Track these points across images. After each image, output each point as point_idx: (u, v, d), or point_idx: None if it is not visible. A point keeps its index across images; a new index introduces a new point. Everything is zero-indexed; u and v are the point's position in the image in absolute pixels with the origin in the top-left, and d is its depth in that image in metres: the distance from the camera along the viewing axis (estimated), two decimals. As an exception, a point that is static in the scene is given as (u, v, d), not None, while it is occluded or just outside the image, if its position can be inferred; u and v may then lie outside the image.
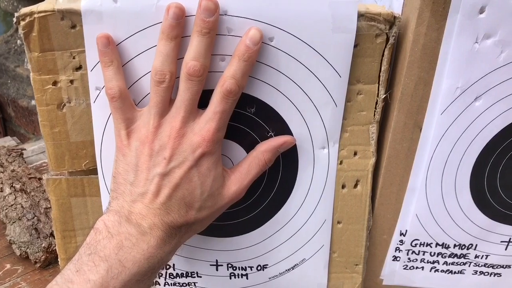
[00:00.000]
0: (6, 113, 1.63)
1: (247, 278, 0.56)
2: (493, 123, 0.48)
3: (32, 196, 0.69)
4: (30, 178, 0.70)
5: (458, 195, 0.52)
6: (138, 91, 0.47)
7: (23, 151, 0.83)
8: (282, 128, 0.49)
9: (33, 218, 0.65)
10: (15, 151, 0.82)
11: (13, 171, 0.74)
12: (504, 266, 0.58)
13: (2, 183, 0.71)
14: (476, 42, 0.44)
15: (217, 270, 0.55)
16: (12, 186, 0.70)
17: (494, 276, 0.58)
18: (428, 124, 0.48)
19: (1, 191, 0.70)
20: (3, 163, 0.76)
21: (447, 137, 0.49)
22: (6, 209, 0.66)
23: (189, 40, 0.44)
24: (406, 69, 0.47)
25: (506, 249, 0.56)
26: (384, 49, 0.47)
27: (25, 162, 0.79)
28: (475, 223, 0.54)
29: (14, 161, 0.78)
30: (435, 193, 0.52)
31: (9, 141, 1.01)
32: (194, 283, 0.56)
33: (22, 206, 0.66)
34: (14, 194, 0.68)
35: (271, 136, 0.49)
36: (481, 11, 0.43)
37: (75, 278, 0.40)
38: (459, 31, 0.44)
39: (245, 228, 0.54)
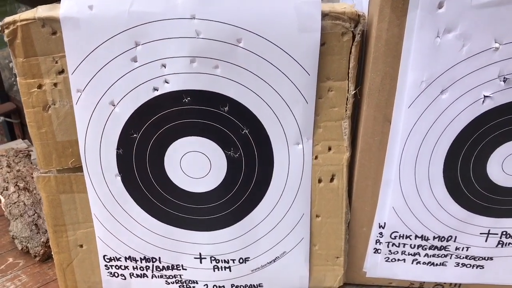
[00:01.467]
0: (25, 119, 1.69)
1: (230, 271, 0.58)
2: (462, 116, 0.49)
3: (34, 194, 0.72)
4: (33, 177, 0.74)
5: (433, 187, 0.53)
6: (115, 94, 0.49)
7: (30, 153, 0.87)
8: (256, 125, 0.51)
9: (34, 214, 0.68)
10: (22, 152, 0.86)
11: (18, 171, 0.78)
12: (486, 258, 0.58)
13: (8, 182, 0.74)
14: (437, 37, 0.45)
15: (201, 262, 0.58)
16: (16, 184, 0.73)
17: (476, 268, 0.59)
18: (397, 118, 0.50)
19: (6, 190, 0.73)
20: (11, 164, 0.80)
21: (417, 130, 0.50)
22: (10, 206, 0.70)
23: (158, 44, 0.46)
24: (372, 65, 0.48)
25: (486, 241, 0.57)
26: (351, 46, 0.48)
27: (31, 163, 0.83)
28: (452, 215, 0.55)
29: (20, 161, 0.82)
30: (409, 185, 0.53)
31: (20, 144, 1.05)
32: (180, 275, 0.59)
33: (24, 204, 0.69)
34: (18, 192, 0.72)
35: (245, 134, 0.51)
36: (440, 6, 0.44)
37: None
38: (420, 26, 0.45)
39: (226, 222, 0.56)
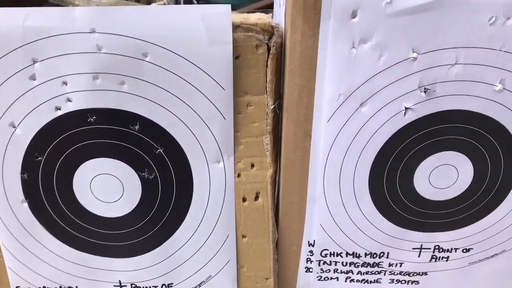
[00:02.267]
0: None
1: (152, 298, 0.55)
2: (384, 128, 0.47)
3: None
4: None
5: (360, 203, 0.51)
6: (14, 115, 0.45)
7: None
8: (171, 144, 0.48)
9: None
10: None
11: None
12: (421, 273, 0.56)
13: None
14: (353, 47, 0.43)
15: (121, 291, 0.54)
16: None
17: (412, 284, 0.57)
18: (317, 132, 0.47)
19: None
20: None
21: (338, 145, 0.48)
22: None
23: (57, 60, 0.43)
24: (288, 78, 0.45)
25: (419, 256, 0.55)
26: (267, 59, 0.46)
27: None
28: (382, 230, 0.53)
29: None
30: (335, 202, 0.51)
31: None
32: (99, 305, 0.55)
33: None
34: None
35: (160, 153, 0.48)
36: (353, 15, 0.42)
37: None
38: (334, 36, 0.43)
39: (145, 247, 0.52)
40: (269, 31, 0.45)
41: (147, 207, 0.50)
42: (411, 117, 0.46)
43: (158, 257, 0.53)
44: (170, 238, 0.52)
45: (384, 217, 0.52)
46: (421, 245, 0.54)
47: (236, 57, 0.45)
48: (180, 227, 0.52)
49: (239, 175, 0.51)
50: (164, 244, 0.52)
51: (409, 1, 0.41)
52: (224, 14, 0.43)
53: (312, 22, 0.42)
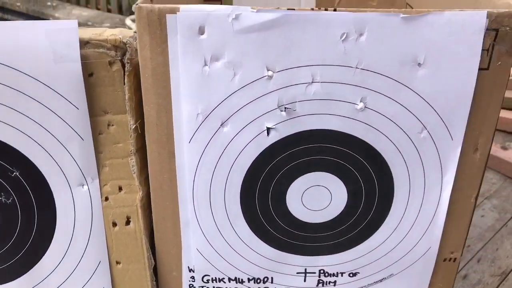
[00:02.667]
0: None
1: (21, 330, 0.51)
2: (248, 149, 0.45)
3: None
4: None
5: (234, 226, 0.49)
6: None
7: None
8: (27, 166, 0.45)
9: None
10: None
11: None
12: (311, 298, 0.54)
13: None
14: (205, 65, 0.41)
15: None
16: None
17: (302, 308, 0.55)
18: (180, 154, 0.45)
19: None
20: None
21: (203, 166, 0.45)
22: None
23: None
24: (144, 97, 0.43)
25: (305, 281, 0.53)
26: (124, 76, 0.43)
27: None
28: (262, 255, 0.51)
29: None
30: (209, 226, 0.49)
31: None
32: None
33: None
34: None
35: (16, 176, 0.45)
36: (201, 32, 0.40)
37: None
38: (183, 54, 0.41)
39: (11, 274, 0.49)
40: (121, 47, 0.42)
41: (8, 233, 0.47)
42: (274, 137, 0.44)
43: (25, 284, 0.50)
44: (37, 265, 0.49)
45: (262, 240, 0.50)
46: (305, 269, 0.52)
47: (89, 74, 0.43)
48: (46, 253, 0.49)
49: (106, 199, 0.48)
50: (31, 270, 0.49)
51: (255, 18, 0.39)
52: (70, 30, 0.41)
53: (159, 38, 0.40)
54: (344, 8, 0.40)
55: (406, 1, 0.68)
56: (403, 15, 0.39)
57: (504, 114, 1.05)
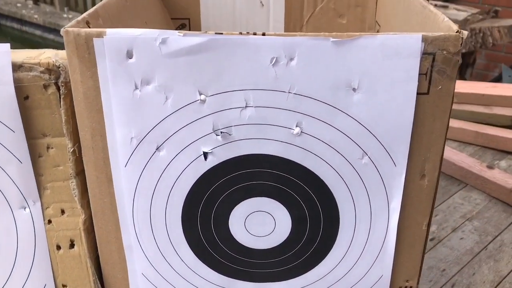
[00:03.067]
0: None
1: None
2: (186, 174, 0.44)
3: None
4: None
5: (179, 251, 0.48)
6: None
7: None
8: (-34, 188, 0.45)
9: None
10: None
11: None
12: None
13: None
14: (136, 89, 0.41)
15: None
16: None
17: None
18: (117, 178, 0.44)
19: None
20: None
21: (141, 191, 0.45)
22: None
23: None
24: (78, 120, 0.43)
25: (257, 306, 0.51)
26: (60, 99, 0.43)
27: None
28: (209, 280, 0.49)
29: None
30: (153, 251, 0.48)
31: None
32: None
33: None
34: None
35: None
36: (129, 55, 0.39)
37: None
38: (113, 77, 0.40)
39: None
40: (55, 70, 0.42)
41: None
42: (212, 161, 0.43)
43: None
44: (-20, 288, 0.49)
45: (207, 266, 0.49)
46: (256, 296, 0.51)
47: (25, 97, 0.43)
48: (-10, 277, 0.49)
49: (49, 222, 0.48)
50: (-25, 294, 0.49)
51: (182, 42, 0.39)
52: (2, 54, 0.41)
53: (88, 62, 0.40)
54: (273, 33, 0.38)
55: (376, 19, 0.67)
56: (334, 39, 0.38)
57: (493, 131, 1.02)
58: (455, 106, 1.12)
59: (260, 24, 0.69)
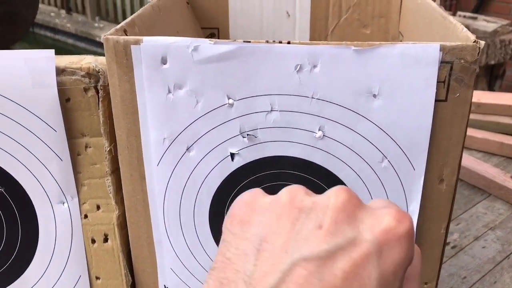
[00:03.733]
0: None
1: None
2: (214, 173, 0.47)
3: None
4: None
5: (206, 248, 0.50)
6: None
7: None
8: (11, 183, 0.49)
9: None
10: None
11: None
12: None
13: None
14: (169, 93, 0.43)
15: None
16: None
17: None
18: (150, 176, 0.47)
19: None
20: None
21: (172, 189, 0.47)
22: None
23: None
24: (115, 121, 0.46)
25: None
26: (98, 102, 0.46)
27: None
28: (233, 276, 0.52)
29: None
30: (181, 246, 0.50)
31: None
32: None
33: None
34: None
35: (1, 193, 0.49)
36: (164, 61, 0.42)
37: None
38: (148, 82, 0.43)
39: (-5, 285, 0.52)
40: (95, 75, 0.45)
41: (-9, 246, 0.51)
42: (239, 162, 0.46)
43: (7, 297, 0.53)
44: (20, 277, 0.52)
45: (233, 263, 0.51)
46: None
47: (66, 99, 0.46)
48: (30, 265, 0.52)
49: (85, 216, 0.51)
50: (15, 282, 0.52)
51: (213, 49, 0.41)
52: (47, 59, 0.44)
53: (125, 67, 0.43)
54: (297, 41, 0.41)
55: (400, 30, 0.69)
56: (355, 48, 0.40)
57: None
58: (480, 117, 1.12)
59: (286, 33, 0.72)
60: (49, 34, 4.99)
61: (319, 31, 0.72)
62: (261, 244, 0.25)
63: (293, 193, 0.27)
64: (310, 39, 0.72)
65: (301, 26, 0.72)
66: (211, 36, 0.74)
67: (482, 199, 0.92)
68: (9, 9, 0.93)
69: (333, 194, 0.26)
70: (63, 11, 5.04)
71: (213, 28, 0.72)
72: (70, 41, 4.71)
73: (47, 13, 5.04)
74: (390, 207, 0.27)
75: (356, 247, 0.24)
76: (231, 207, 0.29)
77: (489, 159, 1.05)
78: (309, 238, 0.24)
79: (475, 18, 2.53)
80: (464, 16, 2.56)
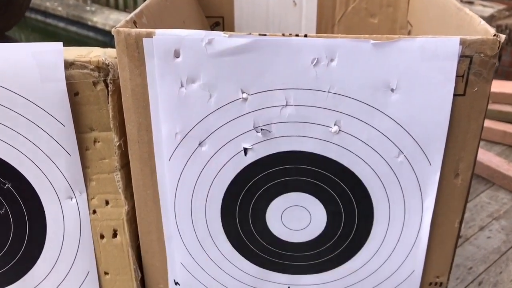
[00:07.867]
0: None
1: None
2: (226, 168, 0.46)
3: None
4: None
5: (216, 242, 0.50)
6: None
7: None
8: (17, 178, 0.48)
9: None
10: None
11: None
12: (296, 315, 0.54)
13: None
14: (182, 87, 0.42)
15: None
16: None
17: (288, 325, 0.55)
18: (161, 171, 0.47)
19: None
20: None
21: (183, 183, 0.47)
22: None
23: None
24: (126, 115, 0.45)
25: (289, 298, 0.53)
26: (108, 96, 0.45)
27: None
28: (244, 271, 0.51)
29: None
30: (192, 241, 0.50)
31: None
32: None
33: None
34: None
35: (8, 188, 0.48)
36: (177, 55, 0.41)
37: None
38: (160, 75, 0.42)
39: (2, 283, 0.52)
40: (104, 68, 0.44)
41: (0, 242, 0.50)
42: (252, 157, 0.45)
43: (14, 292, 0.52)
44: (28, 273, 0.52)
45: (244, 257, 0.51)
46: (289, 287, 0.53)
47: (75, 93, 0.45)
48: (38, 261, 0.51)
49: (94, 212, 0.50)
50: (23, 278, 0.52)
51: (227, 43, 0.40)
52: (55, 52, 0.43)
53: (137, 60, 0.42)
54: (314, 34, 0.40)
55: (408, 19, 0.68)
56: (373, 42, 0.39)
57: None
58: (482, 105, 1.11)
59: (292, 23, 0.71)
60: (39, 17, 4.91)
61: (326, 20, 0.71)
62: None
63: None
64: (317, 29, 0.71)
65: (308, 15, 0.71)
66: (215, 25, 0.73)
67: (485, 188, 0.92)
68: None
69: None
70: (54, -5, 4.96)
71: (218, 17, 0.71)
72: (61, 24, 4.63)
73: (38, -4, 4.95)
74: None
75: None
76: None
77: (492, 147, 1.04)
78: None
79: (471, 3, 2.52)
80: (461, 1, 2.55)
